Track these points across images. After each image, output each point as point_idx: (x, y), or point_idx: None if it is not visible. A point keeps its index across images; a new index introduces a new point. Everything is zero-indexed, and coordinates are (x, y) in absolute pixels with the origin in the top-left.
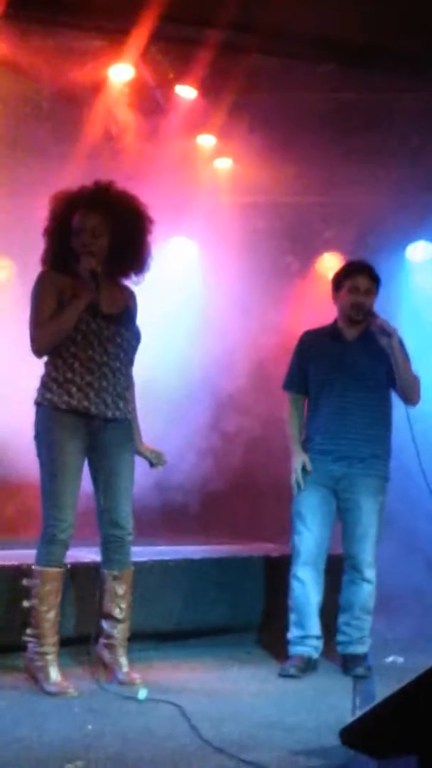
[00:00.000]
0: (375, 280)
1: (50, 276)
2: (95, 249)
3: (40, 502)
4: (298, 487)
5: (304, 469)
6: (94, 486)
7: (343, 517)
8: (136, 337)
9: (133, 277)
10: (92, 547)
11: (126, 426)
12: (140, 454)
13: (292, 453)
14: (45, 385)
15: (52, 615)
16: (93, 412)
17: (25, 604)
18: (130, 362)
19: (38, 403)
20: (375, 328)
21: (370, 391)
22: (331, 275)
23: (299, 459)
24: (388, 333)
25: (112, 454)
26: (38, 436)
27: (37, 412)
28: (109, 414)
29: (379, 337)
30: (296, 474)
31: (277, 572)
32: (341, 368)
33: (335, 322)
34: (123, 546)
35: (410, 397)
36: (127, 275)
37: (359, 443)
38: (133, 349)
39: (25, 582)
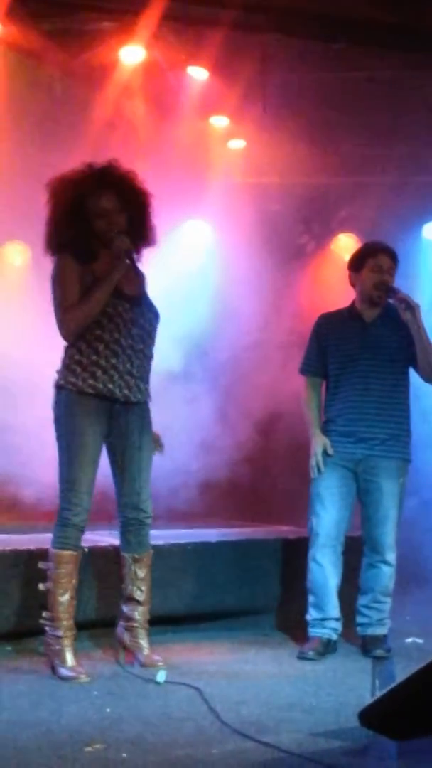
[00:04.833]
0: (395, 260)
1: (70, 261)
2: (122, 229)
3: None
4: (318, 470)
5: (325, 452)
6: (112, 470)
7: (363, 499)
8: (157, 317)
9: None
10: (111, 530)
11: (145, 409)
12: None
13: (312, 436)
14: (68, 367)
15: (66, 598)
16: (117, 395)
17: (41, 587)
18: (153, 343)
19: (60, 386)
20: (397, 302)
21: (391, 372)
22: (347, 256)
23: (320, 442)
24: (412, 306)
25: (132, 438)
26: (58, 420)
27: (58, 395)
28: (132, 397)
29: (401, 311)
30: (316, 457)
31: (293, 554)
32: (363, 350)
33: (353, 304)
34: (142, 529)
35: None
36: (139, 253)
37: (380, 424)
38: (155, 329)
39: (40, 565)
